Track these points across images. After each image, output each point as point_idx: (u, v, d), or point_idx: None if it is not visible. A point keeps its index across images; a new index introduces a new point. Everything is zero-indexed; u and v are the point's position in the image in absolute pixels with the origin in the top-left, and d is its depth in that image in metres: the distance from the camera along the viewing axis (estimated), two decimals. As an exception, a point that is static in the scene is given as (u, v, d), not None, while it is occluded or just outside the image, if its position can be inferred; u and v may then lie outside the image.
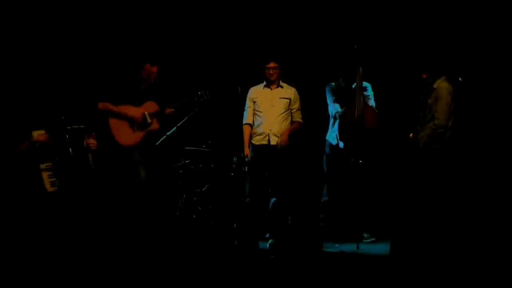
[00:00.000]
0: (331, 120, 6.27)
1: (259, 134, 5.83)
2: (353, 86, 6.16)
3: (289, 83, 6.48)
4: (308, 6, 7.29)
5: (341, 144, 6.02)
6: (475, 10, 6.74)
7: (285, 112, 5.89)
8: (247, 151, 5.87)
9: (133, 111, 5.75)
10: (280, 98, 5.89)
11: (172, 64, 7.00)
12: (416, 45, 6.82)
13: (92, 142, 5.53)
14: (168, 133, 6.24)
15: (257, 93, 5.97)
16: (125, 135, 5.74)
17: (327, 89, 6.34)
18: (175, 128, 6.28)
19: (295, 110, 5.98)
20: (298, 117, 5.98)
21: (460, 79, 5.63)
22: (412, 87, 5.82)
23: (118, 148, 5.78)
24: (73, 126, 5.46)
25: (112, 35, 7.15)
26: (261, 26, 7.36)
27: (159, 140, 6.09)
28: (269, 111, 5.86)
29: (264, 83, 5.96)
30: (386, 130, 6.15)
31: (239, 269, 4.80)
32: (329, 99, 6.29)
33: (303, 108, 6.33)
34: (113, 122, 5.74)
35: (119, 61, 6.79)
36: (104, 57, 7.10)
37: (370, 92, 6.24)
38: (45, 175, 5.33)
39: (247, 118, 6.01)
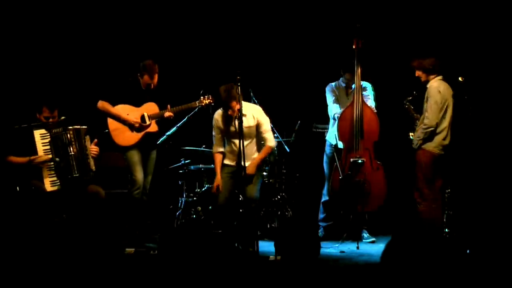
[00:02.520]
0: (331, 121, 6.26)
1: (230, 158, 5.59)
2: (353, 86, 6.16)
3: (290, 83, 6.51)
4: (309, 5, 7.30)
5: (341, 144, 6.02)
6: (471, 10, 6.76)
7: (254, 137, 5.57)
8: (218, 180, 5.52)
9: (131, 114, 5.74)
10: (245, 127, 5.41)
11: (174, 65, 7.01)
12: (415, 44, 6.84)
13: (94, 148, 5.53)
14: (168, 133, 6.24)
15: (222, 122, 5.57)
16: (123, 136, 5.73)
17: (327, 89, 6.33)
18: (175, 128, 6.28)
19: (264, 133, 5.56)
20: (268, 141, 5.56)
21: (460, 79, 5.61)
22: (412, 86, 5.81)
23: (116, 148, 5.79)
24: (74, 127, 5.46)
25: (115, 36, 7.17)
26: (262, 25, 7.38)
27: (159, 140, 6.09)
28: (237, 140, 5.41)
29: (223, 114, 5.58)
30: (386, 130, 6.15)
31: (238, 270, 4.79)
32: (329, 99, 6.28)
33: (308, 107, 6.25)
34: (112, 122, 5.74)
35: (121, 62, 6.81)
36: (106, 57, 7.12)
37: (370, 92, 6.22)
38: (45, 174, 5.34)
39: (218, 146, 5.61)
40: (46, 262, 4.77)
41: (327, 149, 6.32)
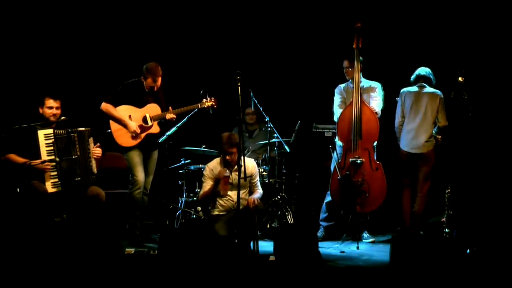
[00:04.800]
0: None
1: (222, 206, 5.60)
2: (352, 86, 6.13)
3: (290, 83, 6.45)
4: (309, 5, 7.31)
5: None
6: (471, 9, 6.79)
7: (248, 188, 5.62)
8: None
9: (134, 115, 5.76)
10: (242, 177, 5.32)
11: (175, 66, 7.02)
12: (416, 43, 6.85)
13: (97, 150, 5.53)
14: (168, 133, 6.24)
15: (217, 173, 5.56)
16: (125, 137, 5.74)
17: (335, 91, 6.21)
18: (175, 128, 6.28)
19: (255, 183, 5.66)
20: (259, 189, 5.68)
21: (460, 79, 5.62)
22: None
23: (117, 148, 5.80)
24: (78, 129, 5.46)
25: (120, 38, 7.19)
26: (262, 25, 7.39)
27: (159, 140, 6.10)
28: (232, 192, 5.51)
29: (222, 162, 5.60)
30: (387, 130, 6.15)
31: (238, 270, 4.79)
32: (335, 102, 6.17)
33: (308, 107, 6.17)
34: (114, 123, 5.75)
35: (123, 63, 6.83)
36: (109, 58, 7.13)
37: (379, 93, 6.09)
38: (47, 175, 5.34)
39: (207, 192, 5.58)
40: (46, 262, 4.77)
41: (338, 150, 6.14)
